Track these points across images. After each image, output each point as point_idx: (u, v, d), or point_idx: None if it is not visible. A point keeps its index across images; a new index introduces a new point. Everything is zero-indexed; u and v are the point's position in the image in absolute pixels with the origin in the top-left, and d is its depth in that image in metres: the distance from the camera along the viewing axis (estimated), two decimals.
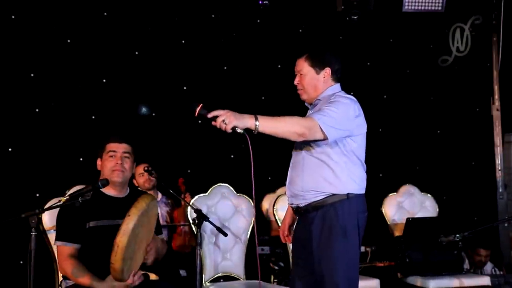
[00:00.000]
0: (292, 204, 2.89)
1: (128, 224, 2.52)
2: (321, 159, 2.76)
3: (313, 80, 2.90)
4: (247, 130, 2.53)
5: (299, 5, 5.90)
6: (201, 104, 2.52)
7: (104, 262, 2.65)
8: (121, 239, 2.50)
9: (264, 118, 2.56)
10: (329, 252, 2.72)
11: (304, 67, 2.91)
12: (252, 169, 2.58)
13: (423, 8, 5.60)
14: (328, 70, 2.90)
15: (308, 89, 2.91)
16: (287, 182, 2.93)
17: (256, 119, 2.52)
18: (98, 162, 3.05)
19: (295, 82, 2.94)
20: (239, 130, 2.50)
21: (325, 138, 2.66)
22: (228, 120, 2.48)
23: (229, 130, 2.50)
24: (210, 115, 2.51)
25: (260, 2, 5.49)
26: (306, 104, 3.02)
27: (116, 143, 3.03)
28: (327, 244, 2.72)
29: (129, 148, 3.06)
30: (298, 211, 2.88)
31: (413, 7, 5.60)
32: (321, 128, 2.62)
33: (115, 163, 2.97)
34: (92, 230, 2.88)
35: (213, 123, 2.51)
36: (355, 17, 5.56)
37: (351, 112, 2.76)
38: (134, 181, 4.79)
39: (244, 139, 2.52)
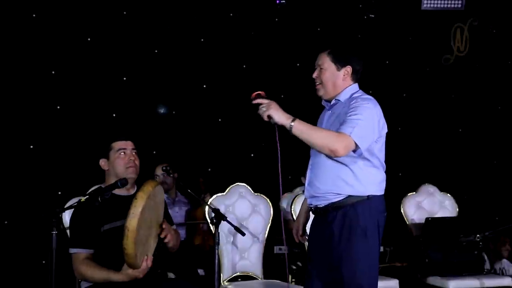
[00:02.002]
0: (311, 204, 2.88)
1: (136, 206, 2.52)
2: (342, 161, 2.74)
3: (333, 76, 2.88)
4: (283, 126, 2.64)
5: (317, 3, 5.88)
6: (260, 92, 2.67)
7: (120, 262, 2.66)
8: (131, 221, 2.50)
9: (302, 123, 2.63)
10: (350, 252, 2.71)
11: (325, 62, 2.88)
12: (279, 162, 2.69)
13: (442, 6, 5.53)
14: (349, 69, 2.88)
15: (326, 85, 2.89)
16: (306, 184, 2.92)
17: (293, 120, 2.60)
18: (103, 162, 3.01)
19: (314, 76, 2.91)
20: (273, 121, 2.62)
21: (358, 149, 2.68)
22: (266, 108, 2.60)
23: (265, 118, 2.62)
24: (254, 102, 2.66)
25: (278, 1, 5.48)
26: (323, 102, 2.99)
27: (123, 141, 3.01)
28: (348, 244, 2.72)
29: (134, 145, 3.05)
30: (317, 211, 2.86)
31: (431, 5, 5.54)
32: (355, 142, 2.65)
33: (128, 159, 2.96)
34: (107, 232, 2.85)
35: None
36: (372, 16, 5.54)
37: (375, 116, 2.76)
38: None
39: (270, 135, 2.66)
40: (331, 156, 2.68)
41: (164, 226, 2.87)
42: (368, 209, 2.75)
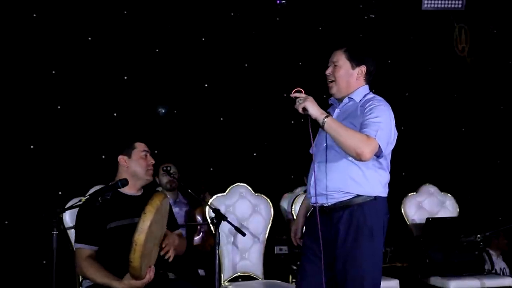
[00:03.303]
0: (317, 203, 2.82)
1: (145, 221, 2.55)
2: (353, 160, 2.74)
3: (347, 74, 2.88)
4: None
5: (318, 3, 5.88)
6: (300, 89, 2.75)
7: (124, 261, 2.66)
8: (139, 237, 2.53)
9: (334, 121, 2.70)
10: (356, 252, 2.70)
11: (341, 59, 2.88)
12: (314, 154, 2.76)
13: (442, 6, 5.53)
14: (363, 68, 2.89)
15: (339, 82, 2.88)
16: (311, 181, 2.86)
17: (326, 117, 2.65)
18: (122, 158, 3.07)
19: (327, 72, 2.91)
20: (307, 114, 2.68)
21: (380, 152, 2.71)
22: (303, 100, 2.67)
23: (300, 110, 2.68)
24: (292, 95, 2.73)
25: (278, 1, 5.48)
26: (331, 100, 2.99)
27: (144, 143, 3.13)
28: (354, 244, 2.71)
29: None
30: (321, 210, 2.82)
31: (432, 5, 5.54)
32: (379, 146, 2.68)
33: (149, 162, 3.08)
34: (113, 230, 2.89)
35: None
36: (373, 16, 5.55)
37: (391, 118, 2.80)
38: (157, 179, 4.82)
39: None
40: (356, 158, 2.68)
41: (166, 242, 2.90)
42: (375, 209, 2.75)
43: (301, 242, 3.06)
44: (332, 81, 2.89)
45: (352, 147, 2.64)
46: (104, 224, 2.89)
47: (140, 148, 3.08)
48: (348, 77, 2.88)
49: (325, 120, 2.63)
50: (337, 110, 2.91)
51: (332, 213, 2.77)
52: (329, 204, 2.78)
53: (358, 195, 2.75)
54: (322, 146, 2.85)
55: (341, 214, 2.74)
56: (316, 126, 2.74)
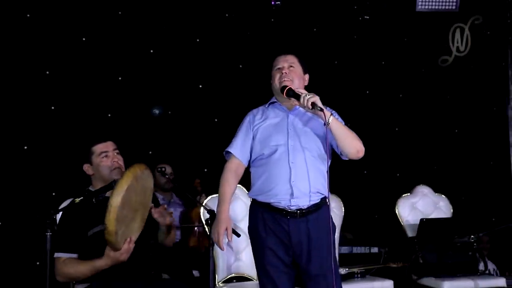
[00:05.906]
0: (296, 205, 2.78)
1: (122, 185, 2.48)
2: (322, 163, 2.82)
3: (300, 77, 2.96)
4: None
5: (312, 4, 5.88)
6: (289, 87, 2.82)
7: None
8: (114, 199, 2.45)
9: (338, 121, 2.78)
10: (325, 251, 2.77)
11: (295, 62, 2.97)
12: (327, 146, 2.79)
13: (436, 7, 5.56)
14: (307, 77, 3.01)
15: (296, 83, 2.90)
16: (290, 181, 2.78)
17: (331, 115, 2.74)
18: (86, 167, 2.97)
19: (285, 70, 2.91)
20: (316, 108, 2.71)
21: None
22: (312, 96, 2.72)
23: (309, 105, 2.71)
24: (297, 91, 2.80)
25: (273, 3, 5.49)
26: (278, 98, 2.97)
27: (102, 143, 2.98)
28: (327, 243, 2.77)
29: (115, 144, 3.02)
30: (297, 213, 2.78)
31: (426, 7, 5.57)
32: None
33: (111, 161, 2.93)
34: (95, 236, 2.79)
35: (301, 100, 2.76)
36: (367, 17, 5.58)
37: None
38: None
39: None
40: (353, 156, 2.79)
41: (157, 209, 2.86)
42: (329, 210, 2.86)
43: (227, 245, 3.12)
44: (289, 80, 2.89)
45: (354, 145, 2.76)
46: (85, 230, 2.79)
47: (97, 151, 2.94)
48: (301, 80, 2.96)
49: (330, 119, 2.71)
50: (291, 114, 2.91)
51: (305, 216, 2.78)
52: (306, 206, 2.79)
53: (325, 197, 2.84)
54: (290, 146, 2.81)
55: (315, 216, 2.78)
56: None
